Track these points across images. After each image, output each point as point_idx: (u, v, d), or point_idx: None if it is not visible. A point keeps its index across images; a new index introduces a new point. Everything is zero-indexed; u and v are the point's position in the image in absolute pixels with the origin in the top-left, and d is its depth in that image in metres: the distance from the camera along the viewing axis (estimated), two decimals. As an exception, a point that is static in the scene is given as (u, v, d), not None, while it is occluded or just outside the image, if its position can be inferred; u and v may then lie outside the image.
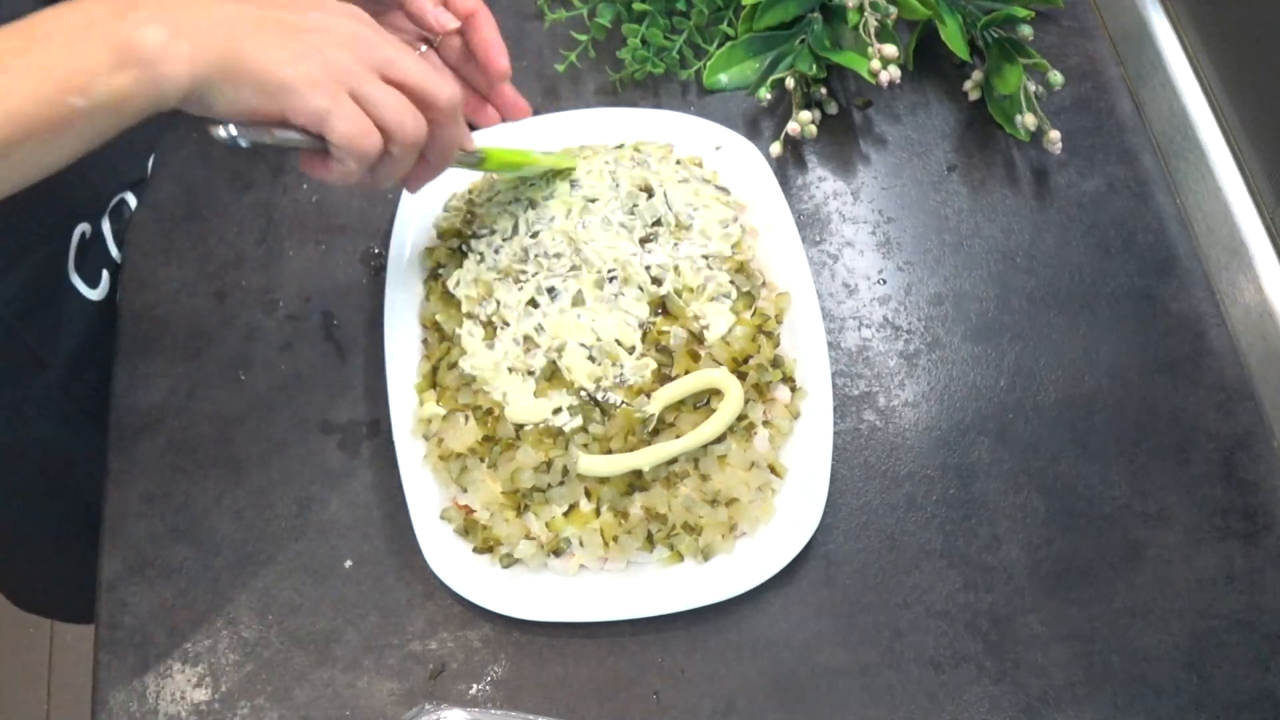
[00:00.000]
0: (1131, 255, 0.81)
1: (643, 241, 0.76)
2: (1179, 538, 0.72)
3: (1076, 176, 0.84)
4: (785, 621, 0.70)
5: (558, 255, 0.75)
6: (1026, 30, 0.84)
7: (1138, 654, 0.69)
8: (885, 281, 0.80)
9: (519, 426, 0.70)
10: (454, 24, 0.77)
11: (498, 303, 0.74)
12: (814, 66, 0.83)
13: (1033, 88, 0.83)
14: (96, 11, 0.55)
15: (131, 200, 0.82)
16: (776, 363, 0.74)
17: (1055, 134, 0.81)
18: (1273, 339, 0.77)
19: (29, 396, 0.80)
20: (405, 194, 0.80)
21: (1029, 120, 0.82)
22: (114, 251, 0.82)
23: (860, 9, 0.83)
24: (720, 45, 0.87)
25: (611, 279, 0.74)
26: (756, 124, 0.86)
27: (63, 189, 0.73)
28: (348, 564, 0.71)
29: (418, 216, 0.80)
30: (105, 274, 0.82)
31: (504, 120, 0.83)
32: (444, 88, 0.63)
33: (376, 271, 0.80)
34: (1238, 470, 0.74)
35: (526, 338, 0.73)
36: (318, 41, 0.58)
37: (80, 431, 0.81)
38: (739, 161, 0.81)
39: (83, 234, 0.78)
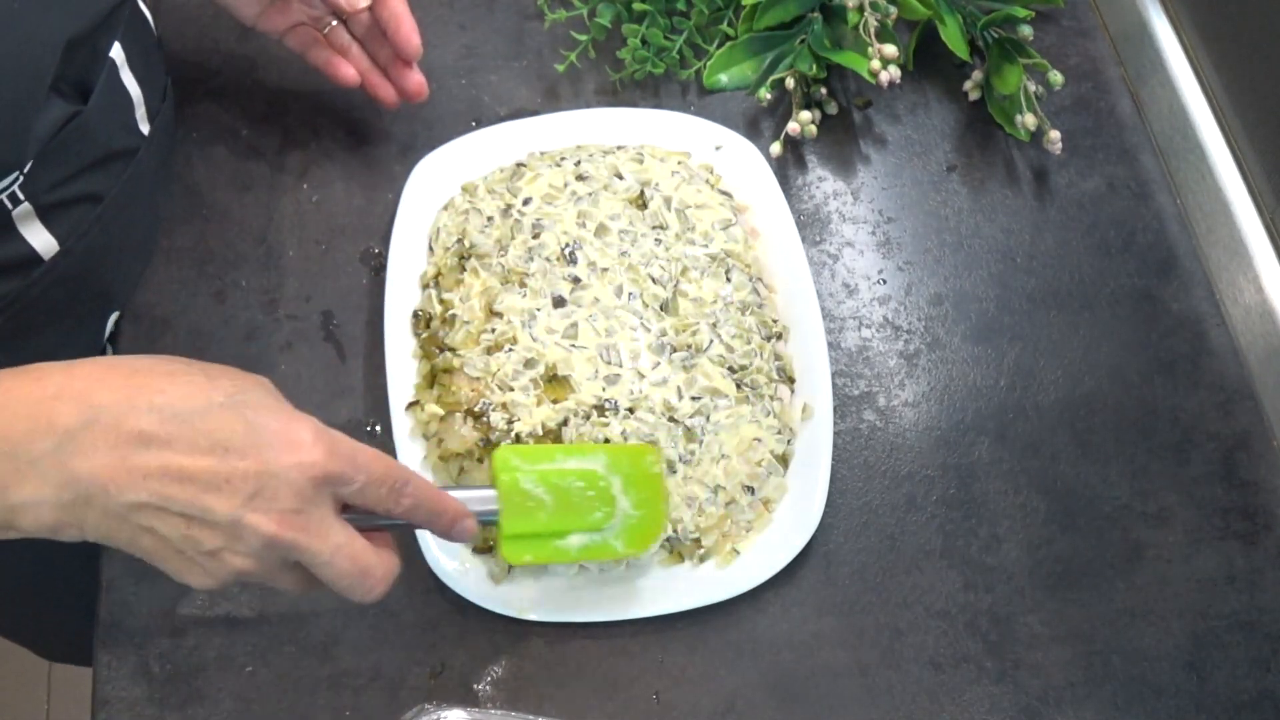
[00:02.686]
0: (1131, 255, 0.81)
1: (644, 243, 0.76)
2: (1179, 538, 0.72)
3: (1076, 176, 0.84)
4: (785, 621, 0.70)
5: (560, 258, 0.75)
6: (1026, 30, 0.84)
7: (1138, 654, 0.69)
8: (885, 281, 0.80)
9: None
10: (364, 3, 0.77)
11: (499, 315, 0.73)
12: (814, 66, 0.83)
13: (1033, 88, 0.83)
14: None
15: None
16: (777, 361, 0.74)
17: (1055, 134, 0.82)
18: (1273, 339, 0.77)
19: None
20: (405, 193, 0.80)
21: (1029, 120, 0.82)
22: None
23: (860, 9, 0.83)
24: (720, 45, 0.87)
25: (613, 281, 0.74)
26: (756, 124, 0.86)
27: (100, 281, 0.74)
28: (348, 564, 0.71)
29: (418, 216, 0.80)
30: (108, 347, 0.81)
31: (404, 100, 0.82)
32: (367, 592, 0.56)
33: (376, 271, 0.80)
34: (1238, 470, 0.74)
35: (530, 344, 0.72)
36: (224, 550, 0.53)
37: None
38: (739, 161, 0.81)
39: (116, 319, 0.79)
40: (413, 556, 0.70)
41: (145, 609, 0.70)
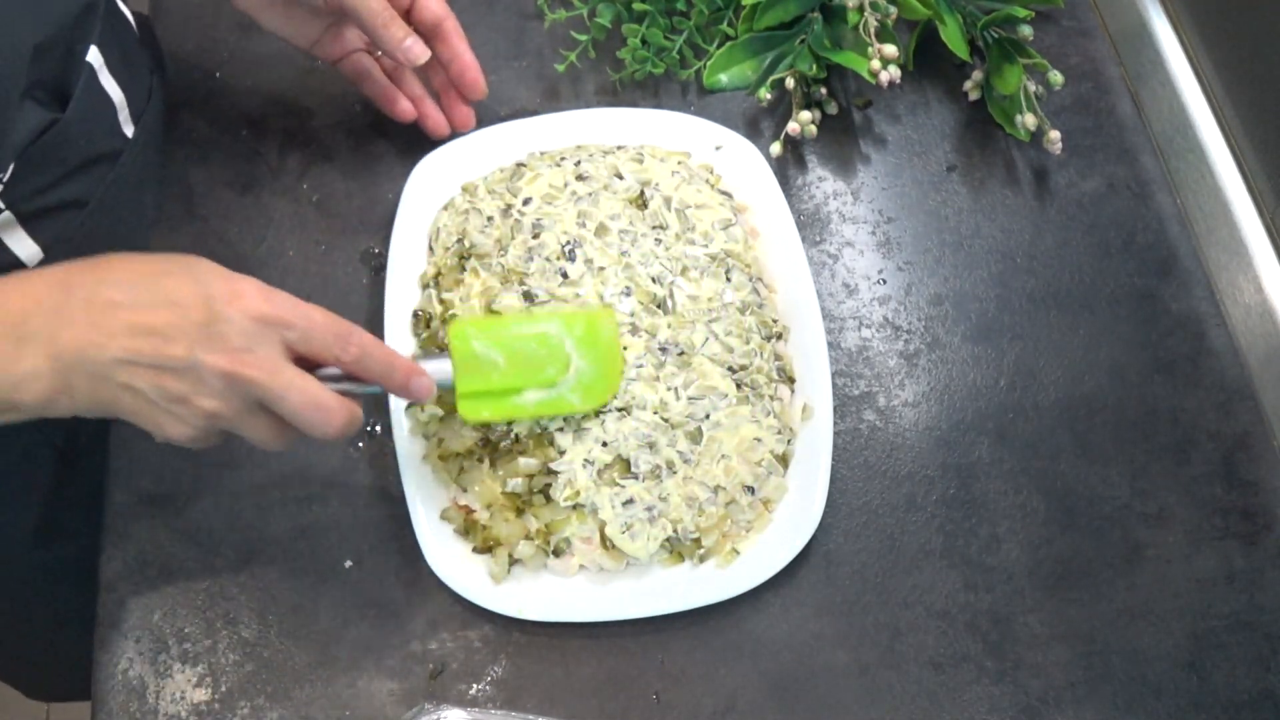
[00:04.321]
0: (1131, 255, 0.81)
1: (644, 243, 0.76)
2: (1179, 538, 0.72)
3: (1076, 176, 0.84)
4: (785, 621, 0.70)
5: (560, 257, 0.75)
6: (1026, 30, 0.84)
7: (1137, 654, 0.69)
8: (885, 281, 0.80)
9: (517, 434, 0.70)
10: (425, 58, 0.76)
11: (499, 315, 0.73)
12: (814, 66, 0.83)
13: (1033, 88, 0.83)
14: None
15: None
16: (777, 361, 0.74)
17: (1055, 134, 0.81)
18: (1273, 339, 0.77)
19: (32, 466, 0.80)
20: (406, 193, 0.80)
21: (1029, 120, 0.82)
22: None
23: (860, 9, 0.83)
24: (720, 45, 0.87)
25: (612, 281, 0.74)
26: (756, 124, 0.86)
27: None
28: (348, 564, 0.71)
29: (418, 216, 0.80)
30: None
31: (451, 130, 0.82)
32: (326, 425, 0.60)
33: (376, 271, 0.80)
34: (1238, 470, 0.74)
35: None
36: (192, 395, 0.58)
37: (78, 507, 0.81)
38: (739, 161, 0.81)
39: None
40: (413, 556, 0.70)
41: (145, 609, 0.70)
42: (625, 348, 0.72)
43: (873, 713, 0.67)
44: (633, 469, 0.69)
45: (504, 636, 0.69)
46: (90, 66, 0.70)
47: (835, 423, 0.74)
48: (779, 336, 0.76)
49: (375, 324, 0.76)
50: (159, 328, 0.57)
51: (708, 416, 0.71)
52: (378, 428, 0.75)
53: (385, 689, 0.68)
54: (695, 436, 0.70)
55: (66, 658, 0.84)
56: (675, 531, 0.69)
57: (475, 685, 0.68)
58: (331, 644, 0.69)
